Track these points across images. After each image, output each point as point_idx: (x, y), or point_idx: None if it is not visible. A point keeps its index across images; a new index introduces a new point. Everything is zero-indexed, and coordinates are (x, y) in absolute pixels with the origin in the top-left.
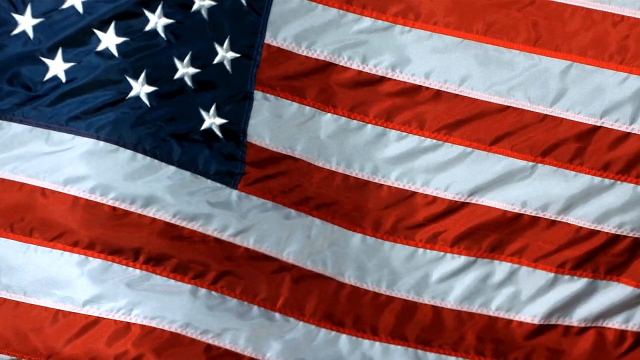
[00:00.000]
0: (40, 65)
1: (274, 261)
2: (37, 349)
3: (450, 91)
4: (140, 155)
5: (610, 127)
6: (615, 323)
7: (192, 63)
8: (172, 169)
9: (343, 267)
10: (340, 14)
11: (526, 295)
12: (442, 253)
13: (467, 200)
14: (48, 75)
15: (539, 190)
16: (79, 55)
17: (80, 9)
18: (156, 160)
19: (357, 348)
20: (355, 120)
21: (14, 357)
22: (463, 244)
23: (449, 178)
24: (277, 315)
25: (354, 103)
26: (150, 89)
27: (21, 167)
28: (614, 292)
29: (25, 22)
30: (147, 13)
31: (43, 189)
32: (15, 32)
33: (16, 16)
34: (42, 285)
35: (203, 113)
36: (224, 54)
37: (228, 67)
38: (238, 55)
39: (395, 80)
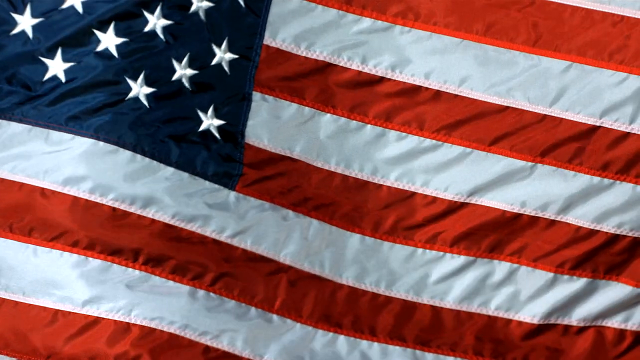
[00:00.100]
0: (39, 65)
1: (271, 262)
2: (37, 349)
3: (450, 91)
4: (139, 156)
5: (609, 127)
6: (614, 322)
7: (190, 64)
8: (170, 170)
9: (341, 268)
10: (340, 14)
11: (525, 295)
12: (441, 253)
13: (467, 201)
14: (47, 75)
15: (539, 190)
16: (78, 55)
17: (80, 9)
18: (155, 161)
19: (355, 348)
20: (354, 121)
21: (14, 358)
22: (462, 244)
23: (449, 178)
24: (275, 317)
25: (354, 103)
26: (149, 90)
27: (20, 166)
28: (613, 291)
29: (25, 22)
30: (146, 14)
31: (42, 189)
32: (15, 31)
33: (15, 16)
34: (42, 285)
35: (201, 114)
36: (222, 55)
37: (226, 68)
38: (236, 56)
39: (395, 80)
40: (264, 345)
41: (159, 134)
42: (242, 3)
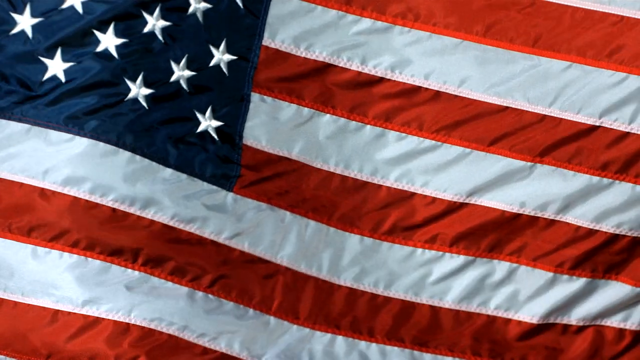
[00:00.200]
0: (39, 65)
1: (268, 264)
2: (37, 349)
3: (450, 92)
4: (138, 157)
5: (609, 126)
6: (613, 322)
7: (188, 66)
8: (169, 171)
9: (340, 269)
10: (339, 15)
11: (525, 294)
12: (440, 253)
13: (466, 201)
14: (47, 75)
15: (538, 190)
16: (78, 55)
17: (79, 9)
18: (154, 163)
19: (354, 349)
20: (354, 121)
21: (14, 358)
22: (462, 244)
23: (448, 178)
24: (272, 318)
25: (353, 104)
26: (148, 91)
27: (19, 166)
28: (613, 291)
29: (25, 22)
30: (145, 15)
31: (42, 189)
32: (14, 31)
33: (15, 16)
34: (41, 286)
35: (199, 116)
36: (220, 56)
37: (224, 69)
38: (235, 57)
39: (394, 81)
40: (262, 347)
41: (157, 135)
42: (240, 4)
